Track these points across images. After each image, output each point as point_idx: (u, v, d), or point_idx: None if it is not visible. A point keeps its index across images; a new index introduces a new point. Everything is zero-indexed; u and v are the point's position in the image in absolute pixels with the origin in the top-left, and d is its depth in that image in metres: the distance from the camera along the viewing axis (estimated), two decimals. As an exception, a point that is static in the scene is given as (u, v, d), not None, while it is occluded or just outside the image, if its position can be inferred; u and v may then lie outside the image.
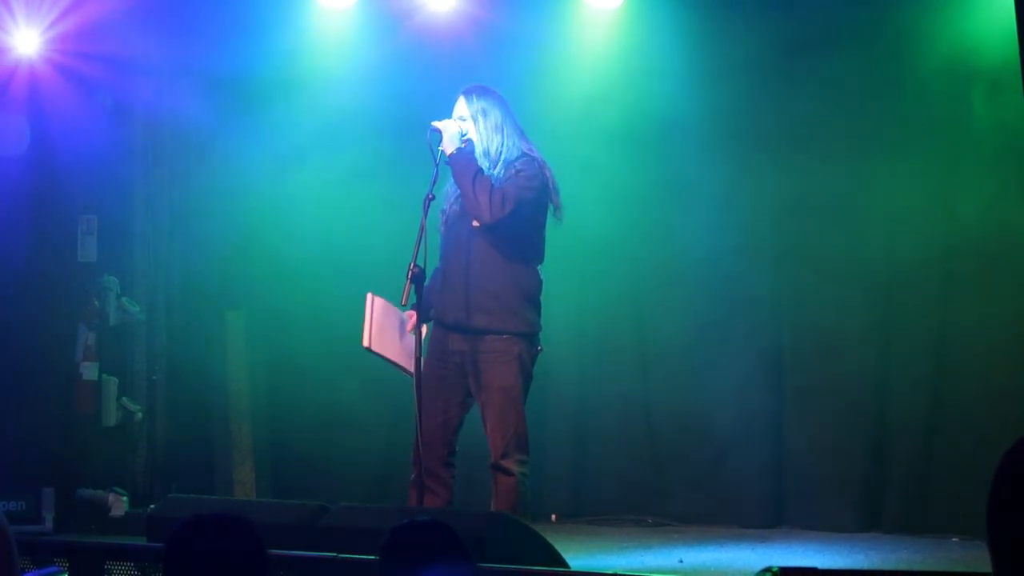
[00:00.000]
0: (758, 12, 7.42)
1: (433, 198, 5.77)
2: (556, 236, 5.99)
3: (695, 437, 7.57)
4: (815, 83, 7.32)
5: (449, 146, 5.77)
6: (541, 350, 5.89)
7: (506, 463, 5.71)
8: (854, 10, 7.23)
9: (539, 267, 5.90)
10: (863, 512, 7.21)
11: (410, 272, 5.63)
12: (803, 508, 7.37)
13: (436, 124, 5.81)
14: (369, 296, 5.88)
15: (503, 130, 5.85)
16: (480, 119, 5.84)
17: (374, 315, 5.84)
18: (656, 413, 7.73)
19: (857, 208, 7.27)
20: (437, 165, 5.78)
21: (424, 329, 5.89)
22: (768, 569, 4.32)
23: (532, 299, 5.85)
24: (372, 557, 4.33)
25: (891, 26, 7.16)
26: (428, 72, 7.61)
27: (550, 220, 5.90)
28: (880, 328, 7.27)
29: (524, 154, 5.85)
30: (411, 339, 5.84)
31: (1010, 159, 6.89)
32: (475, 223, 5.78)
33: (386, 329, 5.85)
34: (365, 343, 5.80)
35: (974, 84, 6.94)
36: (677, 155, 7.59)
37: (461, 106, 5.89)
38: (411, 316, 5.87)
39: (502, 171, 5.79)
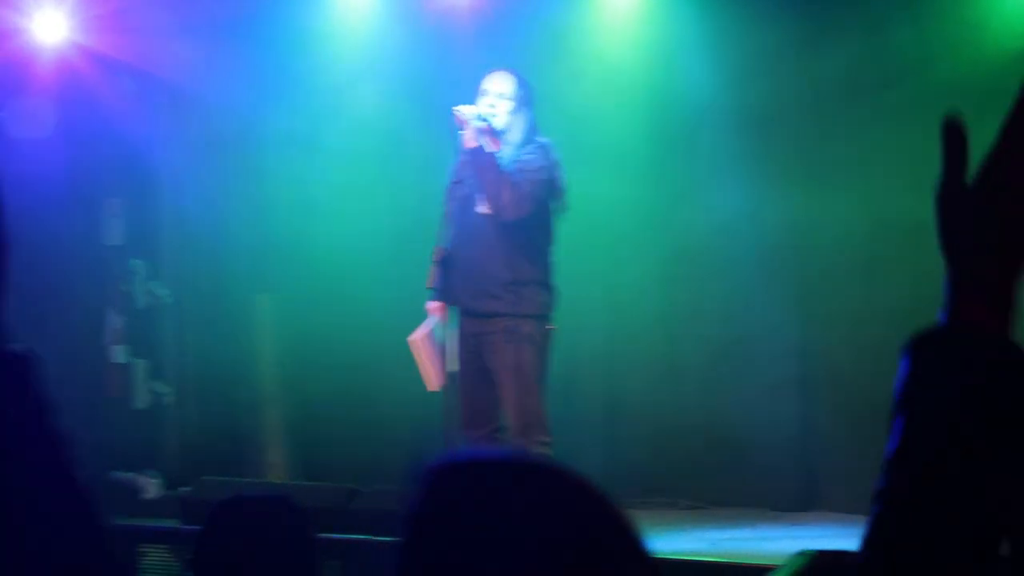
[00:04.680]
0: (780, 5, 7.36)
1: (459, 182, 5.74)
2: (590, 220, 5.96)
3: (727, 419, 7.52)
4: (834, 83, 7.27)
5: (471, 141, 5.72)
6: (552, 329, 5.87)
7: (524, 444, 5.72)
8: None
9: (550, 249, 5.89)
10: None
11: (437, 256, 5.64)
12: (838, 491, 7.31)
13: (459, 112, 5.74)
14: (410, 342, 5.92)
15: (529, 120, 5.83)
16: (521, 104, 5.81)
17: (423, 358, 5.91)
18: (688, 395, 7.68)
19: (887, 202, 7.18)
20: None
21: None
22: (804, 552, 4.27)
23: (541, 282, 5.84)
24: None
25: (921, 21, 7.11)
26: (449, 56, 7.56)
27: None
28: (913, 309, 7.20)
29: (536, 143, 5.82)
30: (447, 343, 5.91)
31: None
32: (482, 209, 5.76)
33: (436, 358, 5.89)
34: (431, 388, 5.90)
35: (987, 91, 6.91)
36: (706, 142, 7.54)
37: (505, 84, 5.84)
38: (440, 310, 5.91)
39: (511, 152, 5.77)
